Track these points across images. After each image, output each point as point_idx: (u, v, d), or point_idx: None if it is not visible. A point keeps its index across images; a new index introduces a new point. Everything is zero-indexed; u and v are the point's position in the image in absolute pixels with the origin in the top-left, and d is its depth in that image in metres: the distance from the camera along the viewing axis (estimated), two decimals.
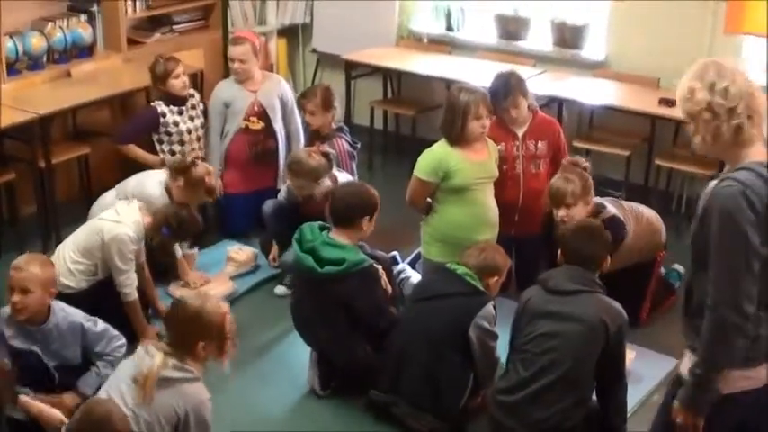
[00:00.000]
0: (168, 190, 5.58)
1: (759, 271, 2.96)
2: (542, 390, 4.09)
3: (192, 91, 6.50)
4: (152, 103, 6.34)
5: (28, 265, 4.34)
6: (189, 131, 6.30)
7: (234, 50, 6.44)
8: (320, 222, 4.84)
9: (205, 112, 6.51)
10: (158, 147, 6.29)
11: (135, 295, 5.17)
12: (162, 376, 3.64)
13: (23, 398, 3.86)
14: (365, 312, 4.58)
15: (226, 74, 6.99)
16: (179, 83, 6.25)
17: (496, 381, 4.40)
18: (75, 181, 6.92)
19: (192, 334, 3.69)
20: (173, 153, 6.27)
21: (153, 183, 5.63)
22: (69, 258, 5.11)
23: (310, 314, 4.72)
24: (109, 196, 5.78)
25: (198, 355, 3.71)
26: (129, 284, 5.14)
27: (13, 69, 6.56)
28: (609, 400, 4.23)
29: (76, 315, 4.51)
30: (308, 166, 5.53)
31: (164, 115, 6.25)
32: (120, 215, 5.15)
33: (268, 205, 5.89)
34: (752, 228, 2.92)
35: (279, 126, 6.53)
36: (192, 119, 6.38)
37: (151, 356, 3.70)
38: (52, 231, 6.30)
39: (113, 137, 6.47)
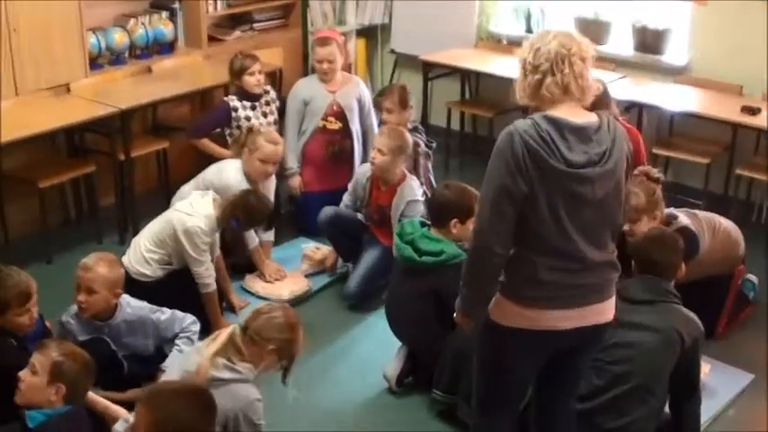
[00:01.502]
0: (246, 174, 5.67)
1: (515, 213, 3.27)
2: (616, 399, 4.04)
3: (267, 88, 6.53)
4: (225, 98, 6.40)
5: (95, 266, 4.39)
6: (260, 127, 6.32)
7: (322, 51, 6.46)
8: (420, 219, 4.92)
9: (281, 111, 6.54)
10: (230, 141, 6.34)
11: (213, 287, 5.21)
12: (213, 377, 3.67)
13: (90, 393, 3.91)
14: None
15: (304, 72, 7.04)
16: (253, 80, 6.29)
17: None
18: (153, 174, 7.01)
19: (268, 339, 3.77)
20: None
21: (231, 169, 5.71)
22: (145, 247, 5.18)
23: (404, 305, 4.74)
24: (187, 188, 5.85)
25: (261, 356, 3.77)
26: (208, 276, 5.18)
27: (95, 64, 6.67)
28: (682, 413, 4.17)
29: (143, 309, 4.58)
30: None
31: (235, 110, 6.30)
32: (194, 207, 5.19)
33: (325, 213, 5.88)
34: (514, 170, 3.21)
35: (356, 127, 6.55)
36: (264, 115, 6.42)
37: (200, 355, 3.76)
38: (129, 223, 6.39)
39: (187, 131, 6.54)
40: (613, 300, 3.50)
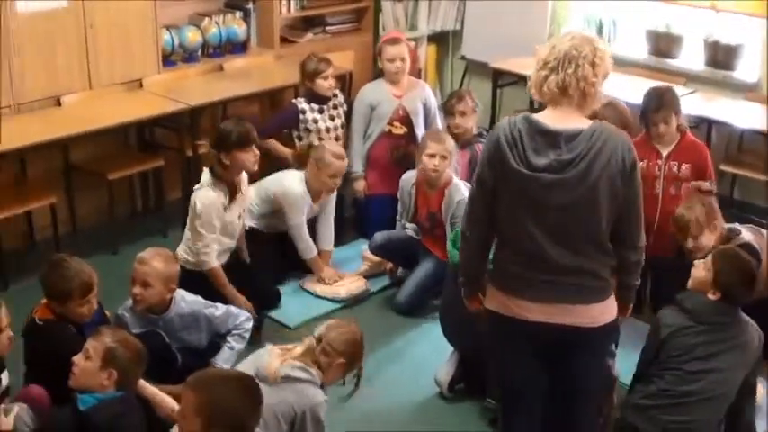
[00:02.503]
0: (308, 186, 5.73)
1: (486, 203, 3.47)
2: (687, 403, 4.02)
3: (336, 91, 6.56)
4: (294, 101, 6.44)
5: (152, 260, 4.46)
6: (327, 130, 6.36)
7: (393, 50, 6.47)
8: None
9: (348, 114, 6.59)
10: (297, 143, 6.39)
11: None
12: (286, 374, 3.74)
13: (140, 381, 3.99)
14: None
15: (374, 76, 7.07)
16: (325, 84, 6.32)
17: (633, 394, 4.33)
18: None
19: (340, 350, 3.86)
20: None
21: (293, 180, 5.79)
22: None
23: (457, 313, 4.72)
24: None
25: (331, 370, 3.86)
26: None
27: (168, 61, 6.79)
28: (739, 417, 4.13)
29: (197, 303, 4.64)
30: None
31: (303, 112, 6.33)
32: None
33: (375, 241, 5.93)
34: (485, 162, 3.42)
35: (421, 131, 6.55)
36: (332, 118, 6.45)
37: (270, 356, 3.82)
38: None
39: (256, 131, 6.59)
40: (600, 306, 3.48)
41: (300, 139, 6.38)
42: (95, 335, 3.68)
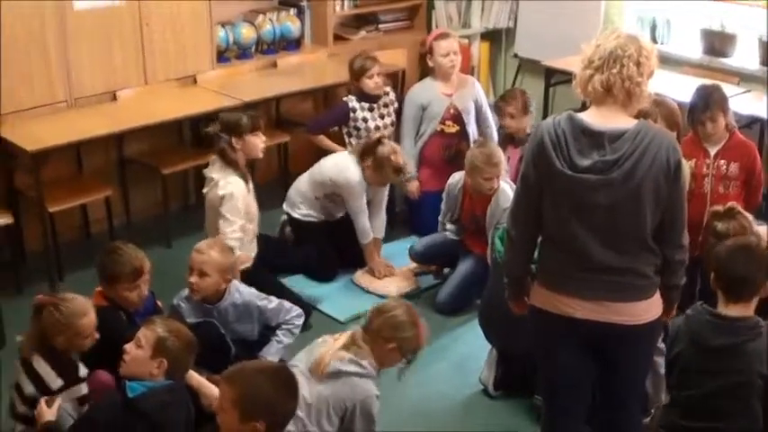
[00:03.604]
0: (363, 172, 5.80)
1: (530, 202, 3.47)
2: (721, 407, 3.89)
3: (387, 89, 6.58)
4: (345, 98, 6.48)
5: (209, 250, 4.54)
6: (377, 128, 6.39)
7: (446, 43, 6.48)
8: None
9: (398, 112, 6.60)
10: (347, 139, 6.44)
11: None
12: (336, 369, 3.77)
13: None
14: None
15: (422, 76, 7.08)
16: (371, 83, 6.34)
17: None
18: (274, 165, 7.17)
19: (390, 338, 3.87)
20: None
21: (352, 168, 5.81)
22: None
23: (501, 312, 4.72)
24: (303, 179, 6.02)
25: (383, 356, 3.87)
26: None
27: (223, 57, 6.88)
28: None
29: (251, 295, 4.69)
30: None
31: (354, 111, 6.38)
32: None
33: (415, 250, 5.97)
34: (530, 162, 3.42)
35: (472, 129, 6.57)
36: (381, 117, 6.48)
37: (325, 345, 3.86)
38: None
39: (306, 126, 6.68)
40: (645, 304, 3.47)
41: (350, 135, 6.42)
42: (148, 324, 3.74)
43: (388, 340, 3.88)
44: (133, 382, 3.57)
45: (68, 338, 3.85)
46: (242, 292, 4.68)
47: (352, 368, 3.80)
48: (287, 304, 4.80)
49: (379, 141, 5.81)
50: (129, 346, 3.68)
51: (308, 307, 5.24)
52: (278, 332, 4.72)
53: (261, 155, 5.42)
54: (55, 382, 3.82)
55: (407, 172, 6.17)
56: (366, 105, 6.41)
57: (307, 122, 6.75)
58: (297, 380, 3.31)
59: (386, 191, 6.10)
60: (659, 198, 3.35)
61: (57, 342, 3.85)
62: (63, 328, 3.84)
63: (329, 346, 3.87)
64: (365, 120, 6.39)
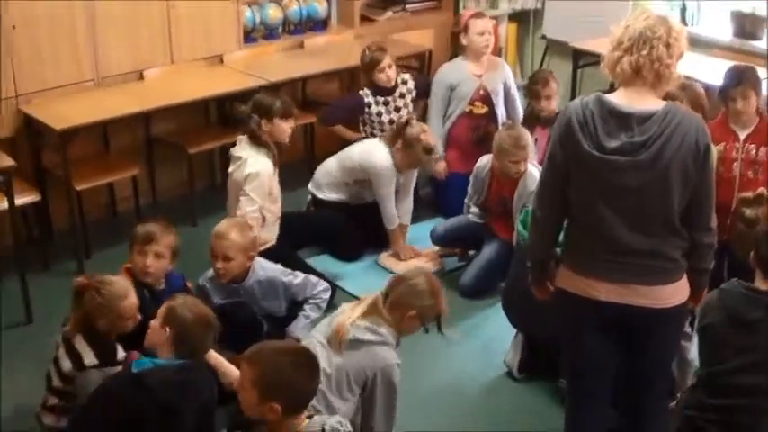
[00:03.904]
0: (395, 162, 5.77)
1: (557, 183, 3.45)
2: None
3: (406, 77, 6.54)
4: (361, 92, 6.44)
5: (229, 233, 4.56)
6: (391, 122, 6.36)
7: (483, 23, 6.45)
8: None
9: (422, 95, 6.59)
10: (361, 128, 6.44)
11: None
12: (354, 338, 3.76)
13: None
14: None
15: (452, 55, 7.05)
16: (383, 77, 6.30)
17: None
18: (299, 146, 7.14)
19: (409, 305, 3.85)
20: (373, 136, 6.30)
21: (381, 154, 5.79)
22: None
23: (525, 296, 4.71)
24: (330, 162, 6.01)
25: (403, 323, 3.85)
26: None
27: (249, 37, 6.87)
28: None
29: (275, 271, 4.73)
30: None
31: (369, 105, 6.37)
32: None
33: (437, 233, 5.96)
34: (557, 142, 3.40)
35: (501, 111, 6.54)
36: (397, 109, 6.44)
37: (343, 314, 3.86)
38: None
39: (320, 118, 6.67)
40: (671, 288, 3.45)
41: (365, 124, 6.43)
42: (169, 299, 3.77)
43: (408, 308, 3.86)
44: (144, 359, 3.57)
45: (111, 321, 3.88)
46: (266, 268, 4.72)
47: (370, 336, 3.79)
48: (313, 278, 4.83)
49: (407, 123, 5.78)
50: (153, 322, 3.70)
51: (331, 285, 5.25)
52: (305, 306, 4.76)
53: (287, 140, 5.41)
54: (93, 362, 3.84)
55: (436, 152, 6.17)
56: (381, 99, 6.39)
57: (322, 112, 6.72)
58: (318, 362, 3.31)
59: (415, 175, 6.08)
60: (687, 180, 3.32)
61: (99, 325, 3.88)
62: (105, 311, 3.87)
63: (347, 315, 3.87)
64: (379, 114, 6.39)
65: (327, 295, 4.84)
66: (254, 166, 5.12)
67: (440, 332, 4.00)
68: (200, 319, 3.67)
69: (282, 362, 3.14)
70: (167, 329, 3.60)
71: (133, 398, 3.41)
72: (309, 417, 3.24)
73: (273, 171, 5.24)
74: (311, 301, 4.76)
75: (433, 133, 6.07)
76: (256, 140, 5.22)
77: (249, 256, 4.60)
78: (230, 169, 5.30)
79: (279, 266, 4.76)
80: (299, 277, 4.76)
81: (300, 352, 3.31)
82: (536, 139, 5.98)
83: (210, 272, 4.66)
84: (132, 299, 3.93)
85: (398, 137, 5.77)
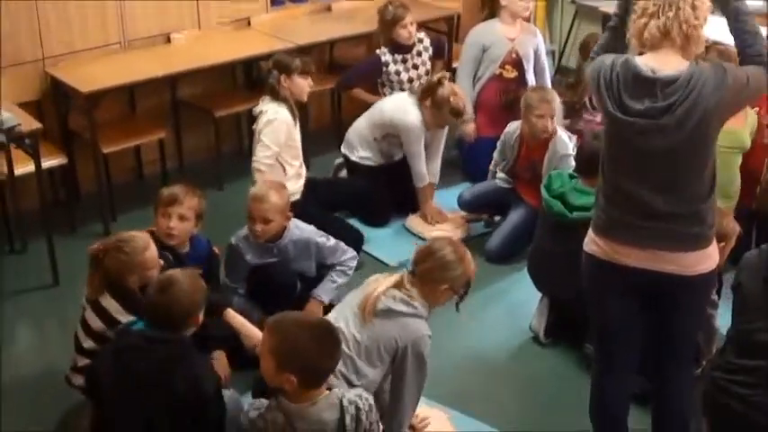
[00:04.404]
0: (422, 113, 5.75)
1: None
2: None
3: (421, 36, 6.51)
4: (378, 51, 6.41)
5: (268, 196, 4.55)
6: (410, 80, 6.34)
7: None
8: (569, 171, 4.88)
9: (438, 57, 6.57)
10: (380, 90, 6.41)
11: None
12: (387, 307, 3.74)
13: (230, 311, 4.06)
14: None
15: (484, 18, 6.98)
16: (405, 33, 6.28)
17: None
18: (326, 111, 7.15)
19: (440, 277, 3.81)
20: None
21: (413, 112, 5.75)
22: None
23: (551, 260, 4.72)
24: (360, 120, 6.00)
25: (435, 297, 3.82)
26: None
27: (277, 0, 6.83)
28: None
29: (310, 232, 4.75)
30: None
31: (386, 65, 6.35)
32: None
33: (464, 198, 5.91)
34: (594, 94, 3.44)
35: (531, 77, 6.49)
36: (415, 67, 6.42)
37: (376, 283, 3.84)
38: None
39: (338, 82, 6.63)
40: (699, 254, 3.43)
41: (384, 86, 6.39)
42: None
43: (439, 282, 3.82)
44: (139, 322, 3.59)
45: (140, 276, 3.88)
46: (302, 228, 4.74)
47: (403, 308, 3.77)
48: (343, 245, 4.85)
49: (439, 82, 5.74)
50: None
51: (357, 233, 5.39)
52: (331, 272, 4.77)
53: (305, 98, 5.46)
54: (125, 316, 3.83)
55: (466, 113, 6.13)
56: (399, 57, 6.36)
57: (340, 77, 6.68)
58: (339, 338, 3.30)
59: (444, 134, 6.03)
60: (713, 142, 3.34)
61: (130, 282, 3.87)
62: (133, 267, 3.87)
63: (379, 285, 3.84)
64: (398, 73, 6.36)
65: (354, 263, 4.86)
66: (270, 114, 5.21)
67: (461, 300, 3.94)
68: (191, 281, 3.57)
69: (301, 335, 3.12)
70: None
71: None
72: (329, 388, 3.24)
73: (293, 124, 5.28)
74: (338, 267, 4.77)
75: (463, 96, 6.00)
76: (276, 96, 5.28)
77: (287, 216, 4.63)
78: (254, 126, 5.35)
79: (313, 228, 4.78)
80: (331, 240, 4.79)
81: (321, 327, 3.28)
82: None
83: (244, 230, 4.67)
84: (153, 249, 3.94)
85: (428, 95, 5.73)
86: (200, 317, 3.54)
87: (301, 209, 5.06)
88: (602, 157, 3.50)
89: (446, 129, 6.02)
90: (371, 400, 3.34)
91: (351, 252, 4.85)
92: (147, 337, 3.43)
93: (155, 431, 3.38)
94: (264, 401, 3.27)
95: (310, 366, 3.12)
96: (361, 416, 3.22)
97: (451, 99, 5.67)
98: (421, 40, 6.50)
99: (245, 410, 3.36)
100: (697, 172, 3.35)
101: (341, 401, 3.19)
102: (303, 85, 5.36)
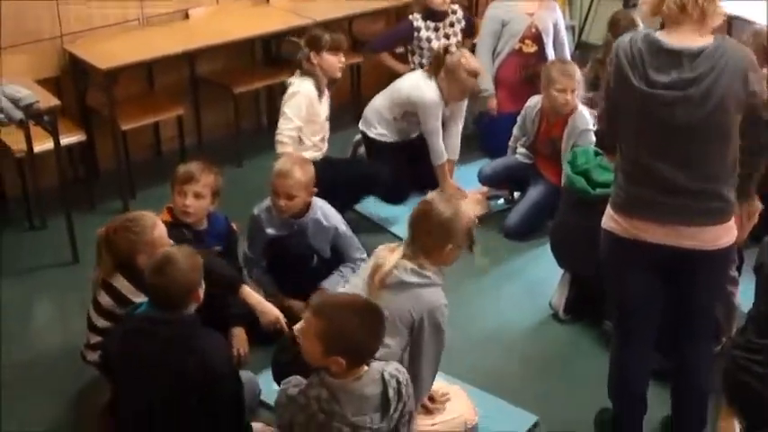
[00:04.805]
0: (439, 88, 5.71)
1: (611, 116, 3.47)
2: None
3: (455, 7, 6.48)
4: (411, 16, 6.40)
5: (292, 172, 4.54)
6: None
7: None
8: (594, 148, 4.83)
9: (467, 31, 6.51)
10: (410, 58, 6.38)
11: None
12: (399, 280, 3.69)
13: (246, 288, 4.07)
14: None
15: None
16: None
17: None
18: (345, 87, 7.08)
19: (441, 238, 3.71)
20: (422, 66, 6.23)
21: (428, 88, 5.72)
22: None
23: (573, 236, 4.69)
24: (378, 98, 5.96)
25: (443, 258, 3.76)
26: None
27: None
28: None
29: (335, 218, 4.75)
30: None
31: (418, 30, 6.32)
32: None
33: (484, 173, 5.89)
34: (609, 81, 3.41)
35: (550, 51, 6.44)
36: (447, 36, 6.39)
37: (384, 257, 3.79)
38: None
39: (368, 44, 6.62)
40: (719, 229, 3.41)
41: (413, 53, 6.36)
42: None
43: (443, 244, 3.72)
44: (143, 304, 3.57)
45: (149, 255, 3.86)
46: (326, 211, 4.74)
47: (415, 278, 3.69)
48: (358, 243, 4.85)
49: (446, 50, 5.73)
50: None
51: (381, 168, 5.58)
52: (341, 267, 4.79)
53: (338, 74, 5.48)
54: (137, 296, 3.83)
55: (484, 82, 6.10)
56: (432, 25, 6.33)
57: (371, 40, 6.66)
58: (383, 316, 3.26)
59: (463, 109, 5.99)
60: (739, 116, 3.31)
61: (140, 261, 3.83)
62: (142, 246, 3.85)
63: (386, 258, 3.76)
64: (429, 40, 6.33)
65: (362, 264, 4.83)
66: (294, 87, 5.26)
67: (471, 250, 3.84)
68: (189, 259, 3.52)
69: (349, 318, 3.10)
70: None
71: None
72: (367, 363, 3.23)
73: (317, 99, 5.30)
74: (349, 264, 4.79)
75: (474, 57, 5.94)
76: (305, 71, 5.32)
77: (311, 191, 4.63)
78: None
79: (340, 216, 4.82)
80: (350, 233, 4.80)
81: (366, 307, 3.26)
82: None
83: (267, 202, 4.67)
84: (161, 226, 3.93)
85: (440, 66, 5.70)
86: (201, 293, 3.51)
87: (320, 164, 5.07)
88: (619, 134, 3.47)
89: (465, 104, 5.98)
90: (407, 374, 3.33)
91: (362, 253, 4.83)
92: (150, 318, 3.43)
93: (168, 411, 3.38)
94: (301, 378, 3.27)
95: (359, 348, 3.12)
96: (401, 389, 3.23)
97: (462, 61, 5.64)
98: (455, 12, 6.48)
99: (281, 387, 3.35)
100: (720, 148, 3.33)
101: (382, 375, 3.20)
102: (333, 62, 5.37)
